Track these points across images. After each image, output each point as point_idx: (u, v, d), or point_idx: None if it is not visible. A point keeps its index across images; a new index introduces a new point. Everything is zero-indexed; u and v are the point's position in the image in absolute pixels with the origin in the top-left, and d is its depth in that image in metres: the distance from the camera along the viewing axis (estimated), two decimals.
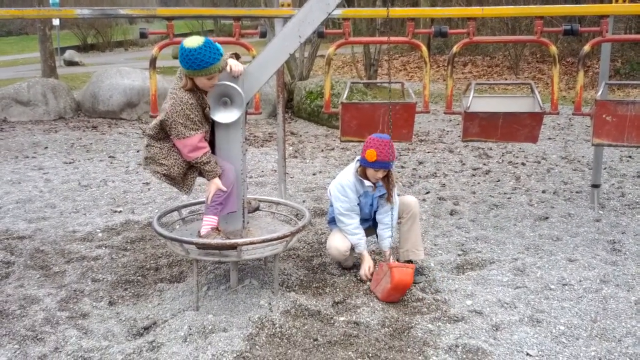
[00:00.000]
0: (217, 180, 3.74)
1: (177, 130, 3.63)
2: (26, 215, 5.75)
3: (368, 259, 4.23)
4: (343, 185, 4.22)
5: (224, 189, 3.74)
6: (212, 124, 3.80)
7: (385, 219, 4.24)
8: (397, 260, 4.27)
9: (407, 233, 4.32)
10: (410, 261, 4.34)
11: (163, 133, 3.72)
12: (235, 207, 3.83)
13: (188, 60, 3.53)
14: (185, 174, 3.79)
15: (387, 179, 4.18)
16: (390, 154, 4.04)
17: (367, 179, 4.18)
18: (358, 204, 4.27)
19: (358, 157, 4.23)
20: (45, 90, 11.47)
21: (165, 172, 3.73)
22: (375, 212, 4.36)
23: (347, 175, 4.25)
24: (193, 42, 3.54)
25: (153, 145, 3.74)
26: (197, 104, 3.65)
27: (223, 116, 3.71)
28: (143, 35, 5.36)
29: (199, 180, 3.95)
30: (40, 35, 14.40)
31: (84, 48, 27.39)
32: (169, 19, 5.19)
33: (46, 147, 8.95)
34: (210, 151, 3.73)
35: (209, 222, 3.78)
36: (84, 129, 10.51)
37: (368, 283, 4.14)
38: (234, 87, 3.66)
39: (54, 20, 16.81)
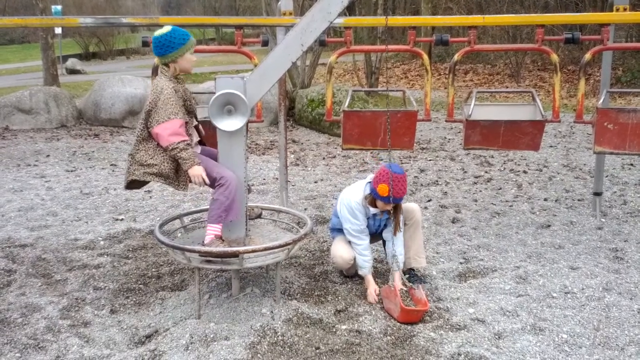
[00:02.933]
0: (197, 168, 3.68)
1: (158, 116, 3.64)
2: (28, 223, 5.76)
3: (372, 283, 4.13)
4: (353, 208, 4.16)
5: (206, 180, 3.70)
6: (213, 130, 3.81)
7: (391, 235, 4.24)
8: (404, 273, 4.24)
9: (409, 240, 4.31)
10: (412, 269, 4.33)
11: (147, 132, 3.74)
12: (239, 215, 3.82)
13: (173, 43, 3.75)
14: (177, 169, 3.77)
15: (395, 210, 4.14)
16: (403, 190, 3.98)
17: (375, 206, 4.14)
18: (367, 226, 4.25)
19: (369, 180, 4.17)
20: (48, 98, 11.51)
21: (156, 171, 3.73)
22: (383, 230, 4.34)
23: (356, 197, 4.17)
24: (163, 29, 3.81)
25: (139, 150, 3.75)
26: (179, 89, 3.76)
27: (227, 124, 3.71)
28: (145, 43, 5.37)
29: (203, 188, 3.94)
30: (43, 43, 14.45)
31: (86, 56, 27.49)
32: None
33: (48, 155, 8.97)
34: (189, 142, 3.70)
35: (212, 230, 3.77)
36: (86, 137, 10.54)
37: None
38: (238, 95, 3.66)
39: (56, 28, 16.88)
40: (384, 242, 4.37)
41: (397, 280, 4.07)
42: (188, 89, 3.94)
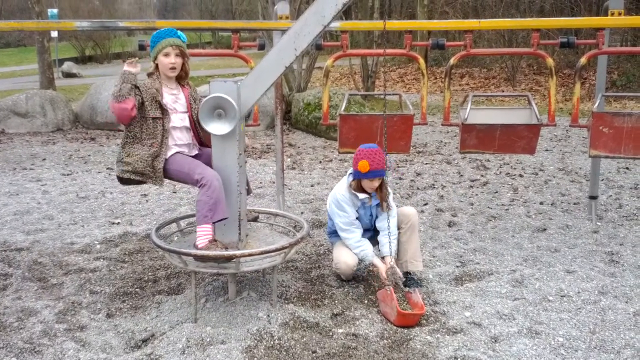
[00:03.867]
0: (124, 67, 3.83)
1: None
2: (24, 227, 5.75)
3: (380, 264, 4.13)
4: (339, 200, 4.22)
5: (132, 66, 3.83)
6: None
7: (385, 225, 4.25)
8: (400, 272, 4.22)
9: (406, 244, 4.32)
10: (408, 273, 4.33)
11: (127, 131, 3.89)
12: (226, 214, 3.77)
13: (150, 46, 3.96)
14: (152, 165, 3.83)
15: (380, 188, 4.18)
16: (383, 162, 4.06)
17: (362, 191, 4.18)
18: (357, 218, 4.27)
19: (350, 171, 4.23)
20: (44, 102, 11.50)
21: (131, 169, 3.83)
22: (375, 220, 4.36)
23: (341, 189, 4.25)
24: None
25: (120, 148, 3.91)
26: (147, 85, 3.85)
27: (216, 127, 3.71)
28: (142, 47, 5.38)
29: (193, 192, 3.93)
30: (39, 47, 14.45)
31: (82, 60, 27.49)
32: None
33: (44, 159, 8.95)
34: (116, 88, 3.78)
35: (204, 232, 3.75)
36: (82, 141, 10.52)
37: (372, 296, 4.13)
38: (227, 99, 3.66)
39: (52, 32, 16.88)
40: (377, 239, 4.39)
41: (389, 261, 4.12)
42: (182, 91, 4.01)
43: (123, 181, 3.97)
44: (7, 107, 11.33)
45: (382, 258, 4.23)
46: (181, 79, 4.03)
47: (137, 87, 3.83)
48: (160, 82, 3.93)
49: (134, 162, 3.81)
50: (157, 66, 3.93)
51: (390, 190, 4.31)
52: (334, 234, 4.45)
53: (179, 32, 3.95)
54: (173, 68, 3.90)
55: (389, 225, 4.15)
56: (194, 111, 4.00)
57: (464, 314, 3.91)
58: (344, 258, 4.24)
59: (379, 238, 4.33)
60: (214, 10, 35.04)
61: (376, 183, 4.12)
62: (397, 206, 4.36)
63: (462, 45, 5.25)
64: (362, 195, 4.19)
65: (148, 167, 3.82)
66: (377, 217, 4.34)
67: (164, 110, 3.87)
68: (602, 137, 4.99)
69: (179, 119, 3.96)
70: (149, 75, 3.96)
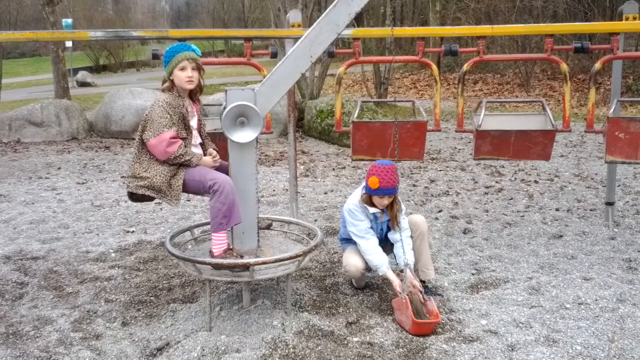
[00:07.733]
0: (204, 160, 3.85)
1: (153, 128, 3.70)
2: (40, 235, 5.78)
3: (394, 278, 4.07)
4: (352, 210, 4.20)
5: (216, 164, 3.87)
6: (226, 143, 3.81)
7: (397, 237, 4.22)
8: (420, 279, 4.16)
9: (417, 252, 4.27)
10: (422, 281, 4.31)
11: (143, 145, 3.79)
12: (241, 218, 3.76)
13: (164, 61, 3.86)
14: (170, 183, 3.77)
15: (391, 205, 4.15)
16: (393, 180, 4.01)
17: (374, 205, 4.16)
18: (370, 227, 4.24)
19: (364, 184, 4.21)
20: (59, 111, 11.61)
21: (147, 184, 3.75)
22: (387, 234, 4.33)
23: (354, 200, 4.24)
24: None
25: (134, 162, 3.82)
26: (174, 104, 3.76)
27: (240, 136, 3.71)
28: (155, 56, 5.41)
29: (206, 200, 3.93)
30: (53, 56, 14.59)
31: (97, 69, 27.77)
32: (181, 40, 5.23)
33: (59, 168, 9.02)
34: (185, 144, 3.77)
35: (219, 241, 3.76)
36: (97, 150, 10.60)
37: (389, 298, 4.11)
38: (251, 106, 3.67)
39: (66, 42, 17.04)
40: (392, 247, 4.35)
41: (409, 274, 4.02)
42: (194, 107, 3.94)
43: (135, 197, 3.89)
44: (23, 117, 11.45)
45: (401, 271, 4.16)
46: (194, 94, 3.99)
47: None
48: (183, 100, 3.85)
49: (152, 176, 3.74)
50: (172, 82, 3.84)
51: (403, 207, 4.27)
52: (346, 240, 4.43)
53: (193, 46, 3.88)
54: (190, 81, 3.81)
55: (401, 239, 4.12)
56: (203, 127, 4.02)
57: (480, 322, 3.88)
58: (353, 261, 4.21)
59: (395, 251, 4.28)
60: (227, 18, 35.24)
61: (386, 201, 4.09)
62: (410, 213, 4.33)
63: (475, 51, 5.23)
64: (372, 210, 4.17)
65: (165, 184, 3.75)
66: (388, 231, 4.31)
67: (188, 130, 3.85)
68: (618, 143, 4.95)
69: (194, 136, 3.95)
70: (168, 90, 3.83)
